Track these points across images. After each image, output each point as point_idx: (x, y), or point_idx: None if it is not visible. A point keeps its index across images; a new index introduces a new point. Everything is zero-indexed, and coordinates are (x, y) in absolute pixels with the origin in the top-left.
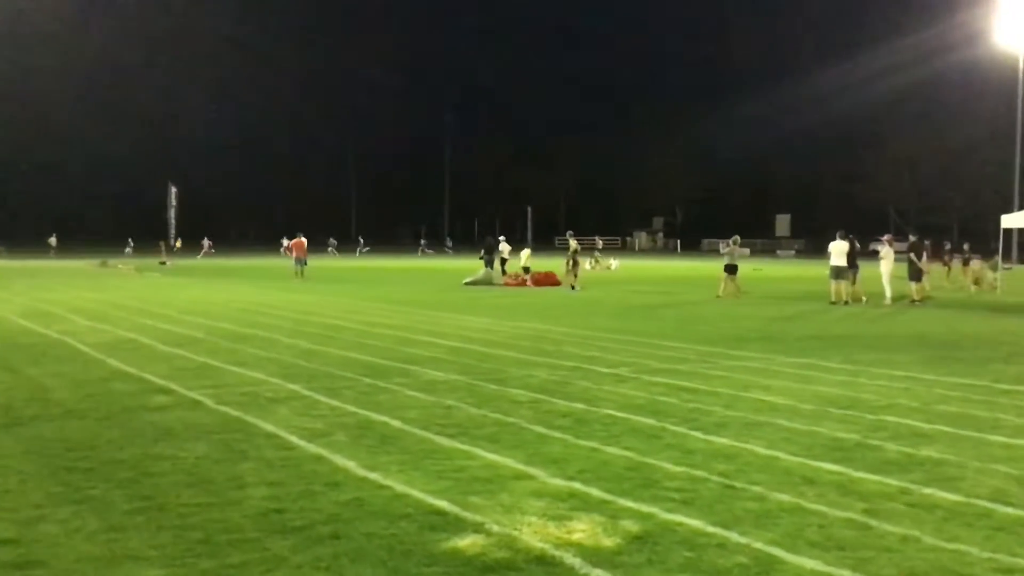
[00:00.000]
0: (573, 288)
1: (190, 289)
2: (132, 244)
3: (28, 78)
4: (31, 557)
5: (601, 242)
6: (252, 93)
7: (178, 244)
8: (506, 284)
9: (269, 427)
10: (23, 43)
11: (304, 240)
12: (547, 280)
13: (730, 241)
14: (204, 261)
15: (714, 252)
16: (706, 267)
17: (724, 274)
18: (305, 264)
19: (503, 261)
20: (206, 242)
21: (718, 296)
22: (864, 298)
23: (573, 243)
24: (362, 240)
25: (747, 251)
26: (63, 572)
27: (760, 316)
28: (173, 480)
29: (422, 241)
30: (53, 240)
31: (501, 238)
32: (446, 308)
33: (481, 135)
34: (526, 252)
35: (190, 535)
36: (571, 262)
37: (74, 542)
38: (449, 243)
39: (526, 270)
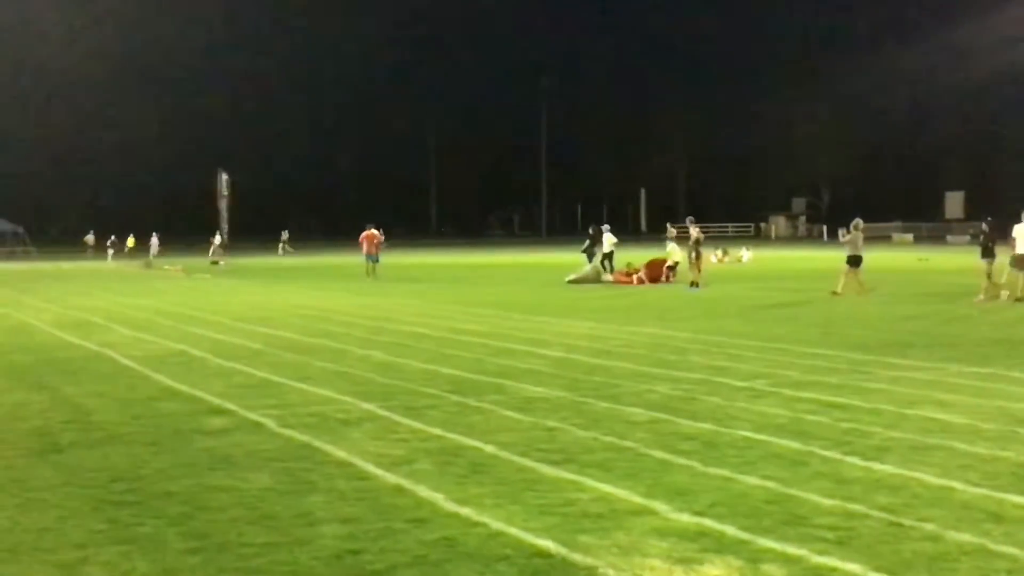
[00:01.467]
0: (695, 285)
1: (245, 293)
2: (93, 240)
3: (58, 67)
4: None
5: (675, 231)
6: (315, 64)
7: (131, 243)
8: (617, 281)
9: (341, 454)
10: (54, 30)
11: (376, 232)
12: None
13: (851, 226)
14: (214, 262)
15: (871, 239)
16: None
17: (846, 267)
18: (377, 261)
19: (608, 256)
20: (155, 240)
21: (834, 293)
22: (1005, 293)
23: (694, 231)
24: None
25: (910, 237)
26: None
27: (927, 316)
28: (232, 515)
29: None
30: (90, 238)
31: (605, 228)
32: (545, 311)
33: (584, 104)
34: (674, 246)
35: None
36: (693, 254)
37: None
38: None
39: (675, 265)
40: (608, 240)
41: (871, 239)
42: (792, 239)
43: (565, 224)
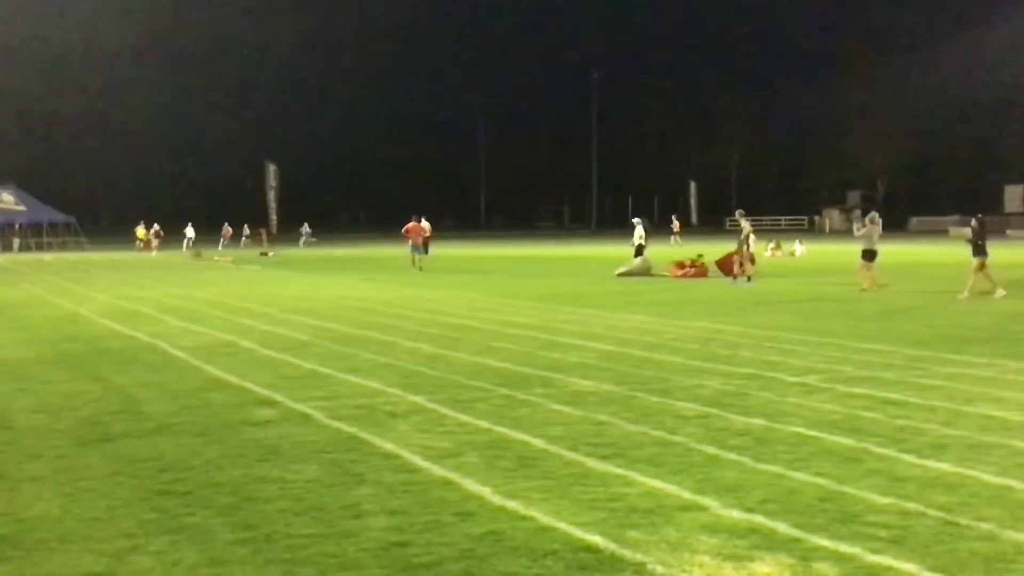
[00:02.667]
0: (748, 279)
1: (294, 284)
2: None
3: (107, 60)
4: None
5: (678, 224)
6: (363, 55)
7: (141, 234)
8: (673, 275)
9: (389, 446)
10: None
11: (424, 224)
12: (727, 267)
13: (866, 220)
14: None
15: (928, 233)
16: (915, 252)
17: (861, 261)
18: (425, 253)
19: (639, 249)
20: (155, 228)
21: (863, 290)
22: (1000, 291)
23: (746, 225)
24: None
25: (967, 231)
26: None
27: (985, 312)
28: (280, 507)
29: (305, 230)
30: (141, 230)
31: (636, 220)
32: (594, 304)
33: (635, 95)
34: (753, 238)
35: (301, 571)
36: (744, 248)
37: None
38: (308, 231)
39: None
40: (637, 233)
41: (928, 233)
42: (846, 233)
43: (615, 217)
